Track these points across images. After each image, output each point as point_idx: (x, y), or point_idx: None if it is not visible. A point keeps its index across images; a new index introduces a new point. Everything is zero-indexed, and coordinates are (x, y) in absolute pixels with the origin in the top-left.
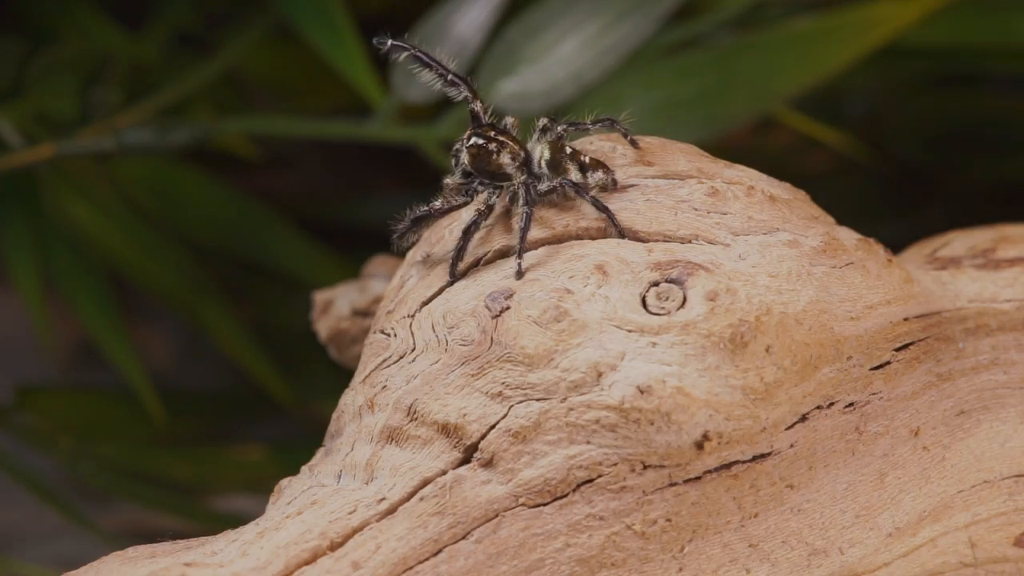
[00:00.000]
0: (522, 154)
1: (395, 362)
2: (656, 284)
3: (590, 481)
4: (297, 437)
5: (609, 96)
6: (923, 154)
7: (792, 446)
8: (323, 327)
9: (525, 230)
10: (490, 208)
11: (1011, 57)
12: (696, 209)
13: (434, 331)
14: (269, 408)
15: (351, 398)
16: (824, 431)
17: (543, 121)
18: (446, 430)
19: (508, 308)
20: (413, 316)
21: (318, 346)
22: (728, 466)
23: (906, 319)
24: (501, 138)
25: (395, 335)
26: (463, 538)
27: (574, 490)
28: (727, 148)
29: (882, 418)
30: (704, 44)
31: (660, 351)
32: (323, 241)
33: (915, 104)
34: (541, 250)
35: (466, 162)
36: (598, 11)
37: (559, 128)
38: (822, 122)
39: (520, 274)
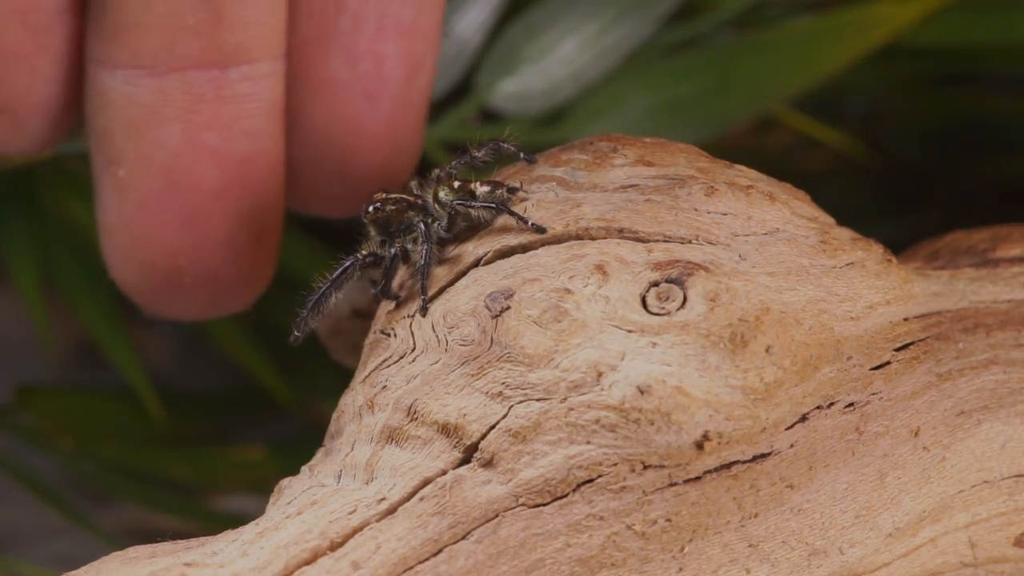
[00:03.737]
0: (419, 202)
1: (395, 362)
2: (656, 284)
3: (590, 481)
4: (297, 437)
5: (609, 96)
6: (923, 154)
7: (792, 446)
8: (323, 327)
9: (426, 266)
10: (403, 253)
11: (1011, 57)
12: (696, 209)
13: (434, 331)
14: (269, 408)
15: (351, 398)
16: (824, 431)
17: (435, 172)
18: (446, 430)
19: (508, 308)
20: (413, 316)
21: (318, 346)
22: (728, 466)
23: (906, 319)
24: (393, 196)
25: (395, 335)
26: (463, 538)
27: (574, 490)
28: (727, 148)
29: (882, 418)
30: (704, 44)
31: (660, 351)
32: (323, 241)
33: (915, 104)
34: (541, 250)
35: (372, 232)
36: (598, 11)
37: (447, 169)
38: (822, 122)
39: (424, 310)
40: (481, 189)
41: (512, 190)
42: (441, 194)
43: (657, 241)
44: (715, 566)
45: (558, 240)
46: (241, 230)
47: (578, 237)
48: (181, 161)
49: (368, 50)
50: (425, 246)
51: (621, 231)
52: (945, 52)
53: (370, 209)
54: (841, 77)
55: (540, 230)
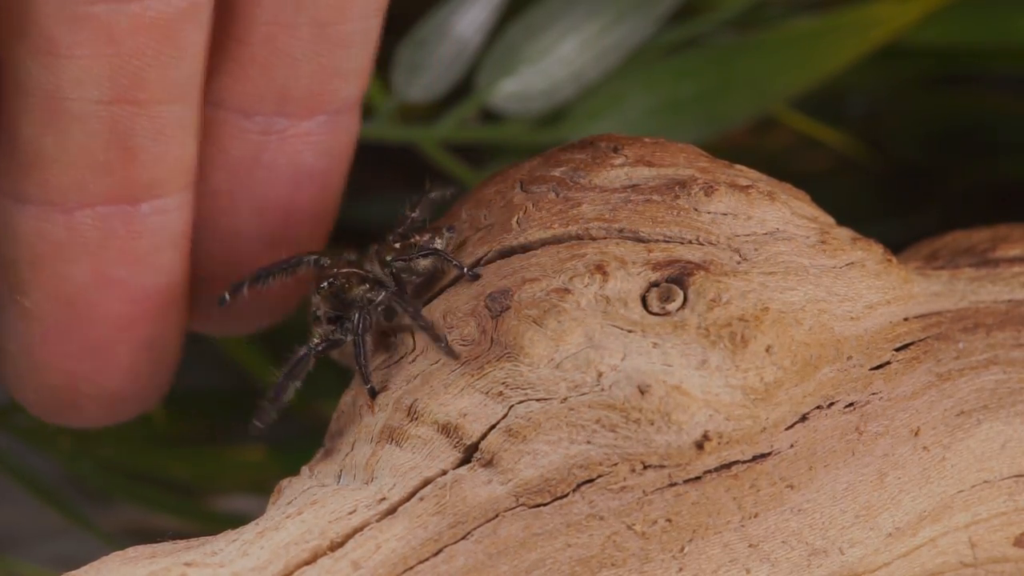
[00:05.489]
0: (370, 274)
1: (395, 362)
2: (656, 284)
3: (590, 481)
4: (297, 437)
5: (609, 96)
6: (923, 154)
7: (792, 446)
8: None
9: (361, 358)
10: (334, 342)
11: (1011, 57)
12: (696, 209)
13: None
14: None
15: (351, 398)
16: (824, 431)
17: (374, 247)
18: (446, 430)
19: (508, 308)
20: None
21: None
22: (728, 466)
23: (906, 319)
24: (344, 271)
25: (395, 335)
26: (463, 538)
27: (574, 490)
28: (727, 148)
29: (882, 418)
30: (704, 44)
31: (660, 351)
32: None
33: (915, 104)
34: (541, 250)
35: (322, 311)
36: (598, 11)
37: (390, 237)
38: (822, 122)
39: (373, 391)
40: (421, 239)
41: (451, 229)
42: (388, 258)
43: (657, 241)
44: (715, 566)
45: (558, 240)
46: (143, 357)
47: (578, 237)
48: (88, 295)
49: (278, 204)
50: (356, 337)
51: (621, 231)
52: (945, 52)
53: (321, 287)
54: (841, 77)
55: (474, 277)
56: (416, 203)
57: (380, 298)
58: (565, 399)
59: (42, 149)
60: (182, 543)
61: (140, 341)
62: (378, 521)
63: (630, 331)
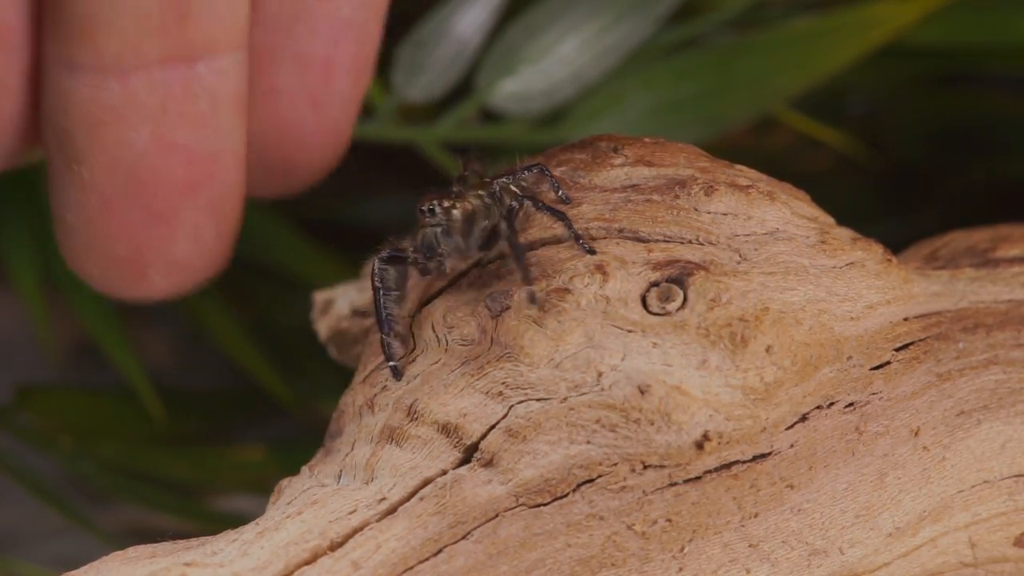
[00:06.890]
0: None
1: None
2: (656, 284)
3: (590, 481)
4: (297, 437)
5: (609, 96)
6: (923, 154)
7: (792, 446)
8: (323, 327)
9: (518, 253)
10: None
11: (1011, 57)
12: (696, 209)
13: (434, 331)
14: (269, 408)
15: (351, 398)
16: (824, 431)
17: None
18: (446, 430)
19: (508, 308)
20: (413, 316)
21: (318, 346)
22: (728, 466)
23: (906, 319)
24: (456, 200)
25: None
26: (463, 538)
27: (574, 490)
28: (727, 148)
29: (882, 418)
30: (704, 44)
31: (660, 351)
32: (323, 241)
33: (915, 104)
34: (541, 251)
35: (451, 224)
36: (598, 11)
37: (471, 179)
38: (822, 122)
39: (533, 297)
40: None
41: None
42: (481, 192)
43: (657, 241)
44: (715, 566)
45: (558, 240)
46: (206, 223)
47: (578, 238)
48: (148, 160)
49: (320, 57)
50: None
51: (621, 231)
52: (945, 52)
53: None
54: (841, 77)
55: (531, 295)
56: (466, 163)
57: (511, 204)
58: (565, 399)
59: (95, 14)
60: (182, 543)
61: (203, 206)
62: (378, 521)
63: (630, 331)
